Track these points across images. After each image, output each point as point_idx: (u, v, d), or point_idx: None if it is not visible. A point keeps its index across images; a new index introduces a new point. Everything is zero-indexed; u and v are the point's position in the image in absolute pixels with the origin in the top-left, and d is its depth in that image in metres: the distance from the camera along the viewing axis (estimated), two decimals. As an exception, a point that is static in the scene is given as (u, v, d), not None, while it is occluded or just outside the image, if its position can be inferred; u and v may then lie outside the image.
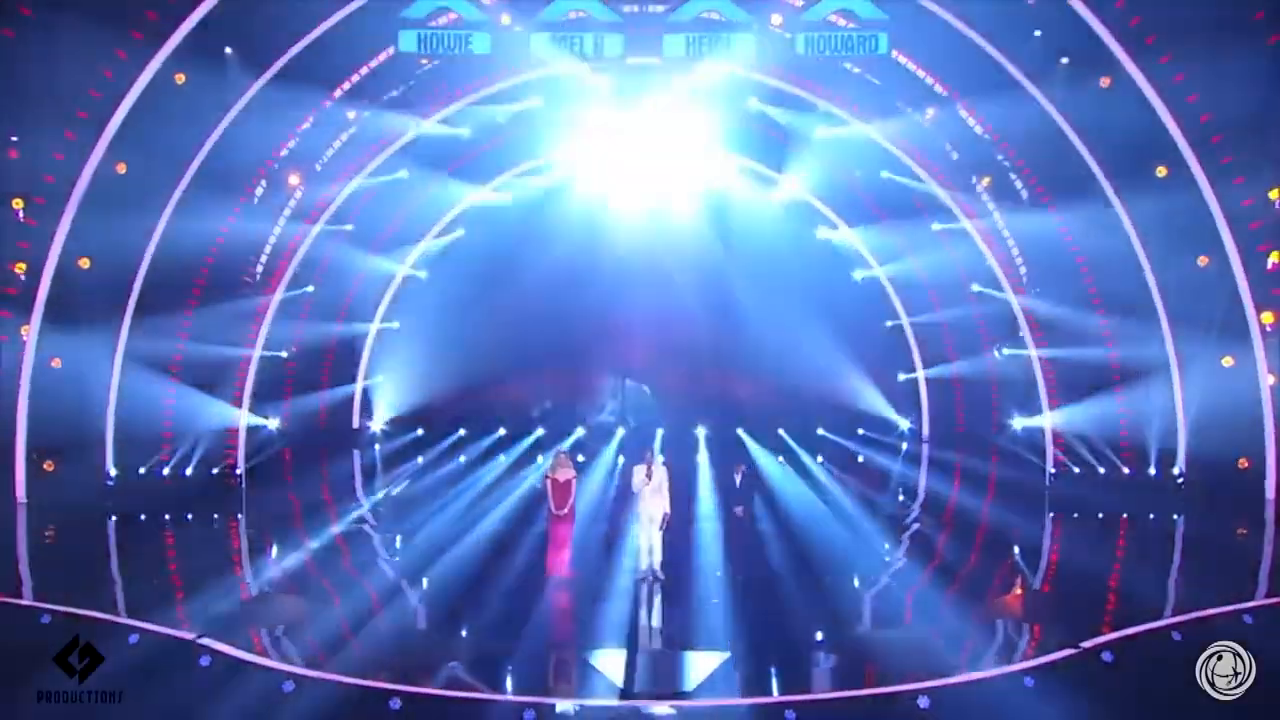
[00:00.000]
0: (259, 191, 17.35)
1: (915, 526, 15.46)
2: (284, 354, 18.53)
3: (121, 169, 15.41)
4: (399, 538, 14.32)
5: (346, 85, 17.31)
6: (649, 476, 11.92)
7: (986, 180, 18.29)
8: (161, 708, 8.22)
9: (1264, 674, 7.64)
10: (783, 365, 20.54)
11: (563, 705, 8.44)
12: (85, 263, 15.53)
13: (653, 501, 11.85)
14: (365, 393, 21.31)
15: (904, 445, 21.02)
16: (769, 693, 8.82)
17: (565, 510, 12.54)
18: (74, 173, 15.14)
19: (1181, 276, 16.15)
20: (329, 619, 10.51)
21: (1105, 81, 15.93)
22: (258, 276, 17.67)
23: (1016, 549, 13.93)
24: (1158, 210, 15.89)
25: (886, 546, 13.95)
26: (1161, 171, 15.86)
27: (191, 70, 15.56)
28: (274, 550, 13.73)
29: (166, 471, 16.33)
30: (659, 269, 20.48)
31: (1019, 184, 17.91)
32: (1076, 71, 16.12)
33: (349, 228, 18.94)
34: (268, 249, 17.75)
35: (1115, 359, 16.91)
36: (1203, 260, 16.04)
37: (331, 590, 11.75)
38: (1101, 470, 16.99)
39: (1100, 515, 16.02)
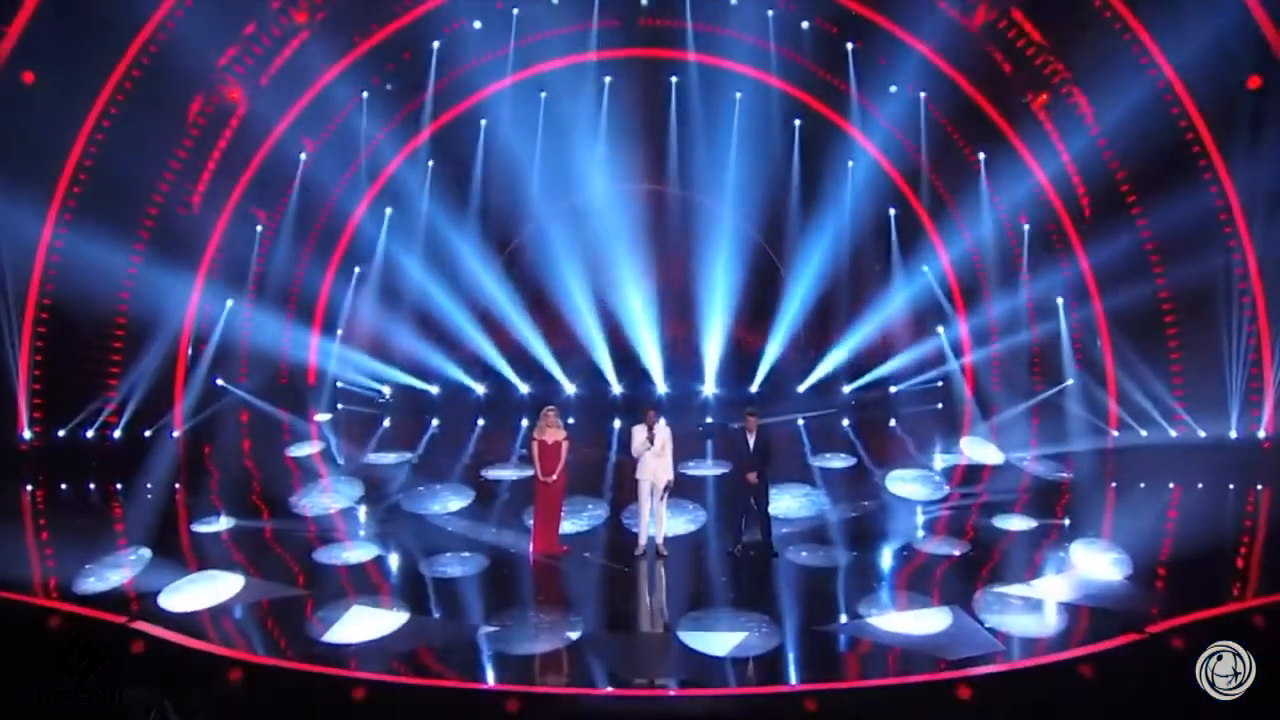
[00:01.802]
0: (199, 107, 14.95)
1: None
2: (230, 301, 16.18)
3: (30, 79, 13.08)
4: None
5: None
6: (650, 439, 10.69)
7: (1044, 97, 15.90)
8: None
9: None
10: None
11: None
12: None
13: (654, 466, 10.71)
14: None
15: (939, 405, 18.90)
16: (795, 680, 8.16)
17: (554, 477, 10.83)
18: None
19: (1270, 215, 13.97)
20: (288, 600, 9.65)
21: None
22: (197, 208, 15.25)
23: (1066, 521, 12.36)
24: (1242, 137, 13.76)
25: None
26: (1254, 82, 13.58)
27: None
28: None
29: (91, 434, 14.30)
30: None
31: (1077, 102, 15.54)
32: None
33: (304, 157, 16.58)
34: (208, 175, 15.31)
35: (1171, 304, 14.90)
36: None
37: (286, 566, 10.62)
38: (1173, 433, 14.88)
39: (1170, 485, 13.86)
